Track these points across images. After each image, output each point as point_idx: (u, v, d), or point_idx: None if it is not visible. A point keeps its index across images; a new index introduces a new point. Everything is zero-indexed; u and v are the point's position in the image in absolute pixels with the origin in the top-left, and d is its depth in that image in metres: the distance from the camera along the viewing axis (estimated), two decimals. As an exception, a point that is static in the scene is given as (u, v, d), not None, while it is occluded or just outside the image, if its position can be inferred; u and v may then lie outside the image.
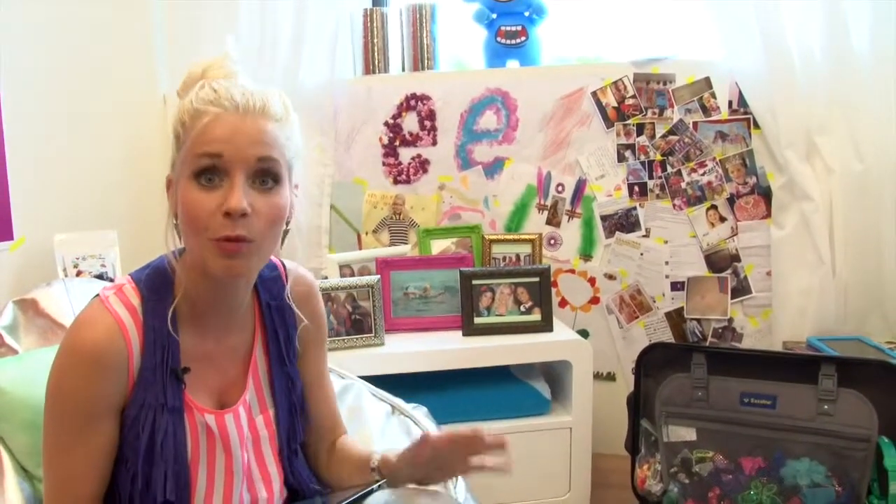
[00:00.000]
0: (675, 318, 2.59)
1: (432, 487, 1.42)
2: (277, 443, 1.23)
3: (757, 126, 2.44)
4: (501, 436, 1.19)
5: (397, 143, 2.65)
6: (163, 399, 1.08)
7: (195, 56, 2.72)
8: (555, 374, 2.32)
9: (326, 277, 2.36)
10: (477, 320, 2.27)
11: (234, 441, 1.15)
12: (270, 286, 1.25)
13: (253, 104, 1.04)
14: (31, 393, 1.33)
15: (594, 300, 2.65)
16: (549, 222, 2.63)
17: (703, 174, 2.51)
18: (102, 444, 1.06)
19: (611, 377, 2.66)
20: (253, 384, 1.21)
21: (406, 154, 2.65)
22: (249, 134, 1.03)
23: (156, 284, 1.12)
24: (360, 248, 2.65)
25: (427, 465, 1.21)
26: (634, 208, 2.57)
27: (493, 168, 2.63)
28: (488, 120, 2.61)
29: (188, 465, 1.10)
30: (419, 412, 1.66)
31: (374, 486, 1.30)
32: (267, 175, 1.05)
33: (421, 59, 2.65)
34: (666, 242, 2.57)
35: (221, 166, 1.02)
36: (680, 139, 2.51)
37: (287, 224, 1.12)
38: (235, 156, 1.02)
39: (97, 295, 1.10)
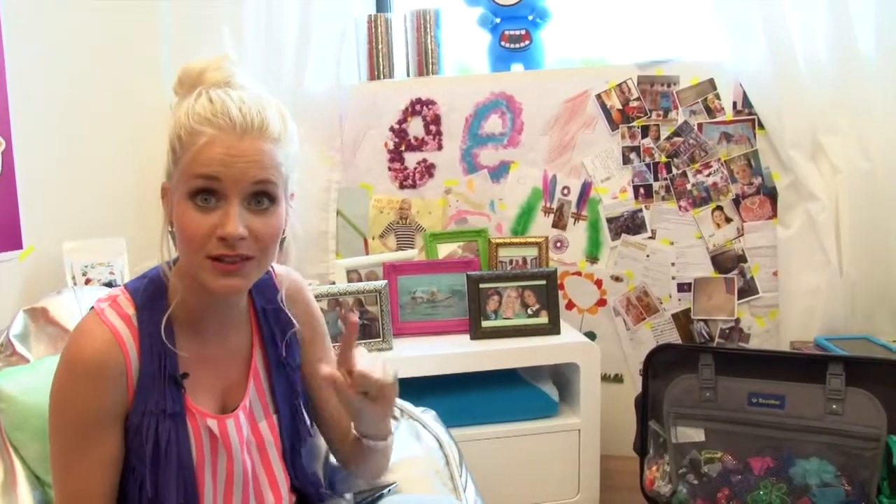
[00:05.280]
0: (682, 320, 2.59)
1: (442, 495, 1.43)
2: (281, 446, 1.24)
3: (762, 127, 2.44)
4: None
5: (403, 148, 2.65)
6: (163, 405, 1.09)
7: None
8: (562, 376, 2.32)
9: (334, 283, 2.37)
10: (484, 324, 2.28)
11: (236, 446, 1.15)
12: (264, 290, 1.26)
13: (251, 123, 1.04)
14: (42, 401, 1.33)
15: (601, 302, 2.65)
16: (555, 225, 2.64)
17: (708, 175, 2.51)
18: (108, 454, 1.07)
19: (618, 379, 2.66)
20: (255, 388, 1.22)
21: (412, 159, 2.66)
22: (247, 157, 1.03)
23: (150, 293, 1.12)
24: (367, 254, 2.66)
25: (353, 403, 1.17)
26: (640, 210, 2.57)
27: (499, 172, 2.64)
28: (493, 124, 2.62)
29: (194, 470, 1.11)
30: (428, 416, 1.66)
31: (384, 490, 1.31)
32: (263, 196, 1.06)
33: (425, 64, 2.66)
34: (672, 244, 2.57)
35: (217, 189, 1.03)
36: (685, 141, 2.51)
37: (283, 233, 1.13)
38: (232, 180, 1.02)
39: (92, 307, 1.11)
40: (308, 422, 1.29)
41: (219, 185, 1.02)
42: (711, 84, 2.48)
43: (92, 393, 1.05)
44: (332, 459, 1.50)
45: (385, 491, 1.32)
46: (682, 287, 2.58)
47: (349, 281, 2.37)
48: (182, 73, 1.10)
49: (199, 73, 1.08)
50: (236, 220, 1.02)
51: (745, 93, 2.44)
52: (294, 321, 1.27)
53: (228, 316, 1.20)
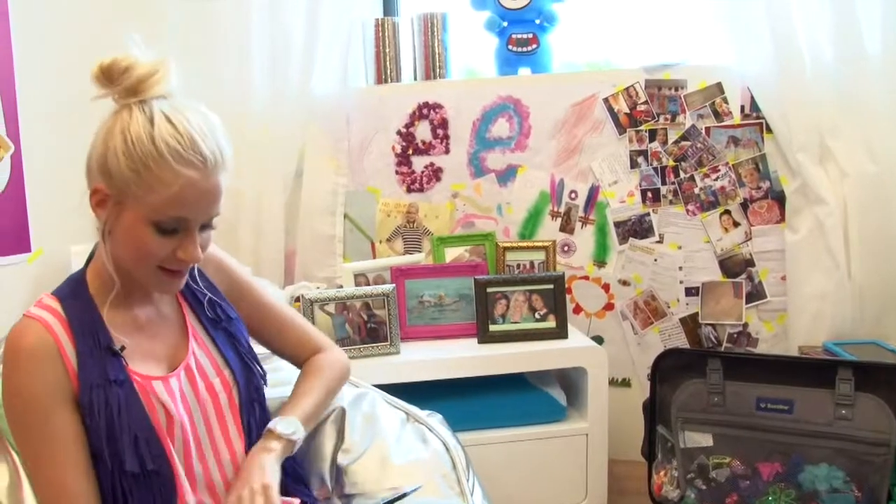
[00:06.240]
0: (690, 324, 2.58)
1: (449, 499, 1.43)
2: (237, 399, 1.27)
3: (769, 130, 2.44)
4: None
5: (410, 151, 2.66)
6: (107, 375, 1.12)
7: (209, 66, 2.74)
8: (570, 380, 2.32)
9: (341, 286, 2.37)
10: (492, 328, 2.27)
11: (192, 401, 1.20)
12: None
13: (217, 160, 1.10)
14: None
15: (608, 306, 2.64)
16: (562, 229, 2.63)
17: (716, 179, 2.50)
18: (68, 434, 1.09)
19: (626, 383, 2.66)
20: (198, 347, 1.26)
21: (419, 162, 2.66)
22: (212, 195, 1.12)
23: (71, 287, 1.19)
24: (374, 257, 2.66)
25: None
26: (648, 214, 2.57)
27: (506, 175, 2.64)
28: (500, 127, 2.62)
29: (156, 434, 1.14)
30: (434, 419, 1.66)
31: (406, 493, 1.33)
32: (212, 220, 1.16)
33: (433, 67, 2.66)
34: (680, 248, 2.56)
35: (182, 222, 1.11)
36: (692, 144, 2.51)
37: None
38: (198, 216, 1.12)
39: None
40: (261, 369, 1.35)
41: (185, 221, 1.11)
42: (719, 88, 2.48)
43: (32, 376, 1.08)
44: (341, 461, 1.50)
45: (410, 491, 1.34)
46: (690, 291, 2.57)
47: (356, 284, 2.36)
48: (109, 65, 1.12)
49: (138, 80, 1.10)
50: (198, 248, 1.13)
51: (752, 96, 2.43)
52: (210, 280, 1.34)
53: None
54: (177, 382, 1.19)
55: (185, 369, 1.22)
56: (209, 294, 1.32)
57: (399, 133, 2.65)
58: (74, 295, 1.17)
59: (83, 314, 1.15)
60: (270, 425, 1.28)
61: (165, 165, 1.06)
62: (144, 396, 1.14)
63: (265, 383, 1.36)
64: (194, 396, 1.20)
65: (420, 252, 2.64)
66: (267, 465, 1.22)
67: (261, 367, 1.35)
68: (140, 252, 1.11)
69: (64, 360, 1.10)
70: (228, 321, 1.33)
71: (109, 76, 1.12)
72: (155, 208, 1.08)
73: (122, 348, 1.15)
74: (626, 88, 2.54)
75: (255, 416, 1.31)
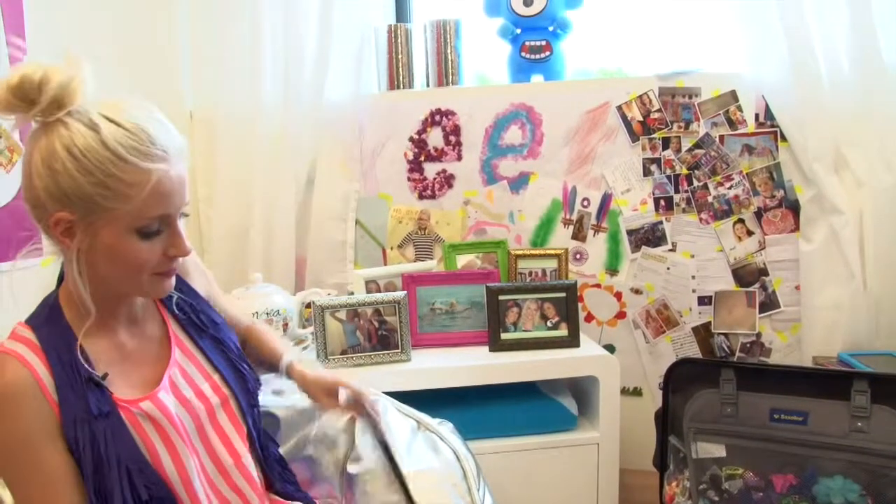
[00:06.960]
0: (703, 333, 2.57)
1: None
2: (233, 403, 1.25)
3: (784, 139, 2.42)
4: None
5: (422, 158, 2.65)
6: (89, 409, 1.07)
7: (221, 73, 2.74)
8: (582, 389, 2.30)
9: (352, 293, 2.37)
10: (503, 336, 2.26)
11: (180, 411, 1.16)
12: None
13: (178, 146, 1.10)
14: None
15: (620, 315, 2.63)
16: (574, 237, 2.62)
17: (729, 188, 2.49)
18: (62, 473, 1.05)
19: (637, 392, 2.64)
20: (183, 355, 1.23)
21: (431, 169, 2.66)
22: (181, 185, 1.09)
23: (46, 315, 1.13)
24: (386, 264, 2.66)
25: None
26: (661, 222, 2.56)
27: (519, 183, 2.63)
28: (513, 135, 2.61)
29: (149, 462, 1.10)
30: (445, 428, 1.65)
31: None
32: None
33: (445, 74, 2.66)
34: (693, 257, 2.55)
35: (164, 220, 1.09)
36: (706, 153, 2.50)
37: None
38: (176, 209, 1.10)
39: None
40: (253, 373, 1.33)
41: (167, 217, 1.09)
42: (733, 96, 2.46)
43: (16, 415, 1.04)
44: (350, 469, 1.49)
45: None
46: (703, 300, 2.56)
47: (368, 291, 2.36)
48: (20, 83, 1.01)
49: (60, 89, 1.02)
50: (185, 240, 1.12)
51: (767, 105, 2.42)
52: (192, 286, 1.32)
53: (135, 306, 1.22)
54: (165, 395, 1.15)
55: (169, 378, 1.18)
56: (192, 301, 1.29)
57: (411, 140, 2.65)
58: (49, 322, 1.12)
59: (60, 343, 1.09)
60: (294, 358, 1.48)
61: (131, 168, 1.03)
62: (134, 425, 1.10)
63: (259, 386, 1.34)
64: (181, 405, 1.17)
65: (431, 259, 2.64)
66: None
67: (253, 371, 1.33)
68: (131, 265, 1.08)
69: (45, 393, 1.05)
70: (215, 327, 1.30)
71: (24, 95, 1.01)
72: (135, 215, 1.05)
73: (105, 376, 1.10)
74: (640, 96, 2.53)
75: (255, 419, 1.30)
